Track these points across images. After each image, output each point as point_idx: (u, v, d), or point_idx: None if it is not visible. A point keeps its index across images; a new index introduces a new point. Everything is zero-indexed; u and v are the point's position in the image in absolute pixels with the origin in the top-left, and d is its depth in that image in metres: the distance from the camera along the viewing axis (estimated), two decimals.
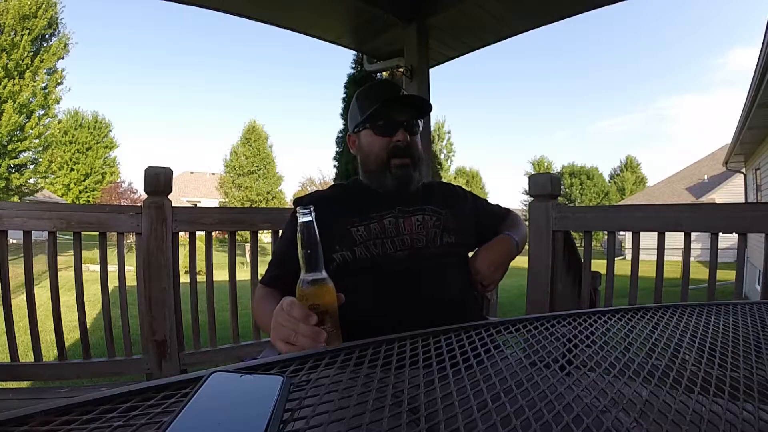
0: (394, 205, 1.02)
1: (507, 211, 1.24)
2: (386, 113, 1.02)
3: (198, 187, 33.05)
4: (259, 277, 1.07)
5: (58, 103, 18.61)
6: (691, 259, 1.85)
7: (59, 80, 18.40)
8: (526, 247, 1.51)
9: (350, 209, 1.00)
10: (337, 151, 7.10)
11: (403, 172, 1.02)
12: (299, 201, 1.05)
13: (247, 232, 2.19)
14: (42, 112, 17.92)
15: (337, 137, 7.22)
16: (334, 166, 7.21)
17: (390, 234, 0.97)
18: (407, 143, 1.02)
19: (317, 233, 0.70)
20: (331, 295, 0.70)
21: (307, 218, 0.70)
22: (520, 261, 1.32)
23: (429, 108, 1.09)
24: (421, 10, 3.33)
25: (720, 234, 1.70)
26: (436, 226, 1.01)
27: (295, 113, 63.80)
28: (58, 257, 1.85)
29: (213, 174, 32.85)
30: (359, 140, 1.08)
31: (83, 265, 1.90)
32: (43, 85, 17.84)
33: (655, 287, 1.84)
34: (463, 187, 1.25)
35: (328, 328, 0.67)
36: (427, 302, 0.90)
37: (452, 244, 1.00)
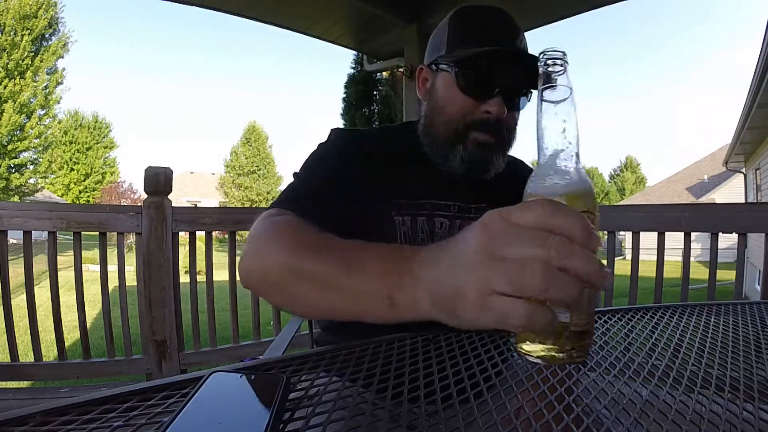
0: (454, 198, 0.74)
1: None
2: (487, 66, 0.69)
3: (198, 187, 33.05)
4: None
5: (59, 103, 18.68)
6: (691, 259, 1.85)
7: (60, 80, 18.45)
8: None
9: (398, 177, 0.71)
10: None
11: (481, 154, 0.69)
12: (339, 133, 0.76)
13: (247, 232, 2.19)
14: (42, 112, 17.96)
15: None
16: None
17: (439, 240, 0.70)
18: (501, 119, 0.69)
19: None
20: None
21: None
22: None
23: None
24: (422, 10, 3.32)
25: (720, 234, 1.71)
26: None
27: (296, 113, 63.89)
28: (58, 257, 1.85)
29: (213, 174, 32.90)
30: (433, 81, 0.76)
31: (83, 265, 1.90)
32: (44, 85, 17.87)
33: (655, 287, 1.84)
34: None
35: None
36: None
37: None
